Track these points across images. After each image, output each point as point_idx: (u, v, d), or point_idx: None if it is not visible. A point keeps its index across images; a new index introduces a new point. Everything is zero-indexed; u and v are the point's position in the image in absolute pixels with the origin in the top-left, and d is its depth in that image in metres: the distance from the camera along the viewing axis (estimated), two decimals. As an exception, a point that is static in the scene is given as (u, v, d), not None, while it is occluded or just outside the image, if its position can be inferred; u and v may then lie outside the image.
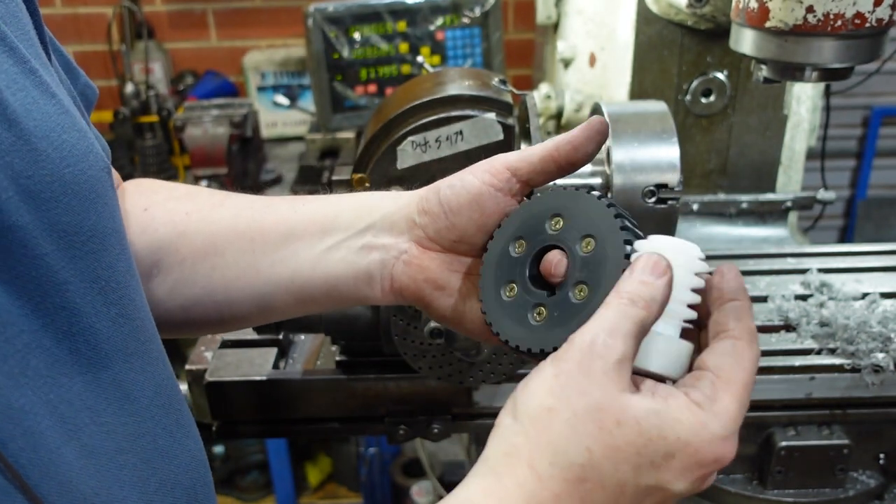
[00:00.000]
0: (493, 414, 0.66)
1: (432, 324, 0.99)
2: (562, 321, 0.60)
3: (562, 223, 0.64)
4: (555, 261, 0.64)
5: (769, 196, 1.61)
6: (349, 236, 0.75)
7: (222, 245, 0.78)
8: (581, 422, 0.53)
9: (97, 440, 0.58)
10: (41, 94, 0.56)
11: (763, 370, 1.15)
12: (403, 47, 1.80)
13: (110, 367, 0.60)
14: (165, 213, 0.81)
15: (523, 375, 0.60)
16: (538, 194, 0.67)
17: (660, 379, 0.59)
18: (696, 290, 0.61)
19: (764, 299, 1.30)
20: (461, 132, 1.06)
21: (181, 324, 0.81)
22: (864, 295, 1.28)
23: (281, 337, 1.24)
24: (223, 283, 0.78)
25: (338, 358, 1.17)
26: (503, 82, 1.12)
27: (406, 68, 1.81)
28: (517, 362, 1.05)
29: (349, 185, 1.10)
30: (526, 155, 0.69)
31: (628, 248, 0.59)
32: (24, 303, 0.54)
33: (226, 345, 1.24)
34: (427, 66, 1.75)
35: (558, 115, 1.82)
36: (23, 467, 0.52)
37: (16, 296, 0.53)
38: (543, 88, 1.89)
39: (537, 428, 0.54)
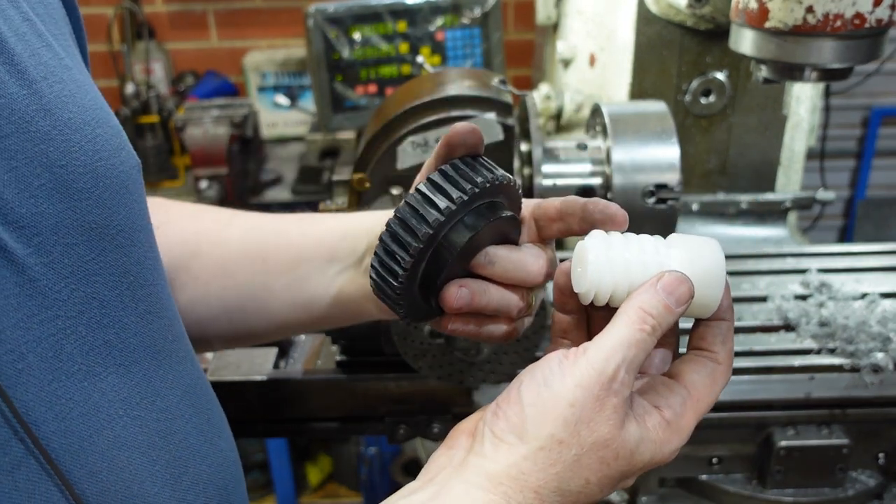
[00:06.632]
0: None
1: (432, 324, 0.99)
2: None
3: None
4: None
5: (769, 196, 1.61)
6: (354, 261, 0.78)
7: (233, 268, 0.80)
8: (586, 456, 0.57)
9: (130, 433, 0.59)
10: (76, 89, 0.57)
11: (763, 370, 1.15)
12: (403, 47, 1.80)
13: (140, 363, 0.61)
14: (178, 233, 0.83)
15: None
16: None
17: None
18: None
19: (764, 299, 1.30)
20: (461, 132, 1.06)
21: (196, 339, 0.81)
22: (864, 295, 1.28)
23: (281, 337, 1.24)
24: (238, 303, 0.82)
25: (338, 358, 1.17)
26: (503, 82, 1.13)
27: (406, 68, 1.81)
28: (517, 362, 1.05)
29: (349, 186, 1.10)
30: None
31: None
32: (60, 287, 0.54)
33: (226, 345, 1.24)
34: (427, 66, 1.74)
35: (558, 115, 1.82)
36: (54, 451, 0.52)
37: (53, 279, 0.54)
38: (543, 88, 1.89)
39: (547, 459, 0.57)
